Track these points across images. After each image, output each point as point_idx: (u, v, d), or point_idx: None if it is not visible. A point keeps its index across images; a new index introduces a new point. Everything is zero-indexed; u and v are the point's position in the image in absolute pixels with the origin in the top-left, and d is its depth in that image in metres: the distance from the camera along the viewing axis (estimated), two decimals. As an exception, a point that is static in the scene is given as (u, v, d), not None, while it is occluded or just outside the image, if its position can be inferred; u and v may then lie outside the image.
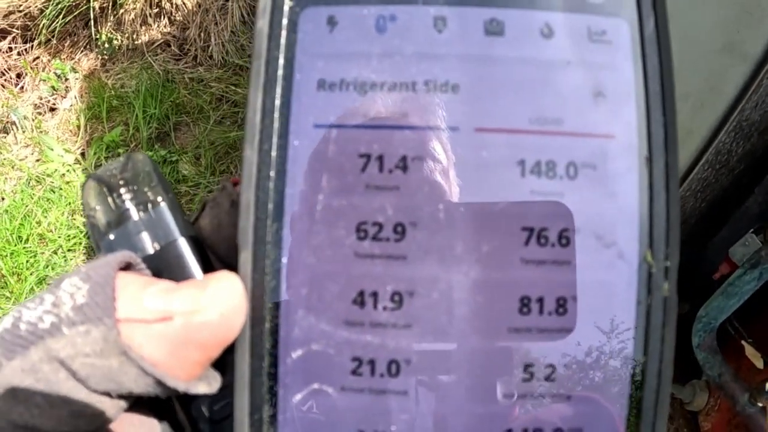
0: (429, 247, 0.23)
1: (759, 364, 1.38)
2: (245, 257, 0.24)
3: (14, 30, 2.99)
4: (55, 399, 0.21)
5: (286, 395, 0.24)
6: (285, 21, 0.24)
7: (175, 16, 3.08)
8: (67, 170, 2.61)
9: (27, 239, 2.34)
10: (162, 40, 3.08)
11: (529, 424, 0.23)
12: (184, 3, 3.04)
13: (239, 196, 0.24)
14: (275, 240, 0.24)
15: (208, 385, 0.24)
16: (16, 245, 2.31)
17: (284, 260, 0.24)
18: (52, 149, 2.66)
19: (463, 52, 0.24)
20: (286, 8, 0.24)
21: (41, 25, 2.94)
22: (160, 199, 0.27)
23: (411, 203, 0.24)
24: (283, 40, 0.25)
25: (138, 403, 0.25)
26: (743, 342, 1.43)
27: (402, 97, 0.24)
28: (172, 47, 3.08)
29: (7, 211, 2.43)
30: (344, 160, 0.24)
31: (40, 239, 2.37)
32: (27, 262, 2.28)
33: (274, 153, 0.24)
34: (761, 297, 1.27)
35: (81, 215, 2.43)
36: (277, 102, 0.24)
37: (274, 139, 0.24)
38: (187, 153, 2.65)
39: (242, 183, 0.24)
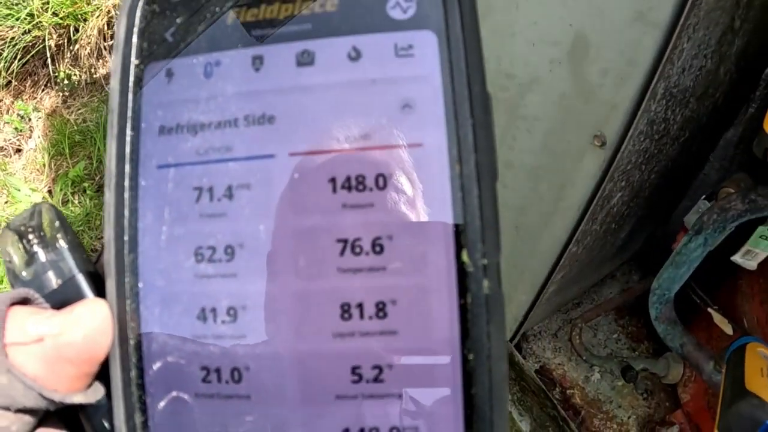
0: (255, 265, 0.26)
1: (728, 330, 1.39)
2: (110, 285, 0.27)
3: (-25, 75, 3.02)
4: None
5: (153, 403, 0.27)
6: (132, 78, 0.28)
7: (130, 47, 3.12)
8: (35, 209, 2.63)
9: (1, 280, 2.34)
10: (119, 72, 3.13)
11: (365, 423, 0.25)
12: (137, 33, 3.08)
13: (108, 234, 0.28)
14: (132, 268, 0.27)
15: (85, 396, 0.27)
16: (-14, 288, 2.31)
17: (140, 285, 0.27)
18: (18, 190, 2.68)
19: (278, 86, 0.26)
20: (132, 67, 0.28)
21: (0, 68, 2.96)
22: (62, 242, 0.30)
23: (237, 227, 0.26)
24: (130, 95, 0.28)
25: (51, 419, 0.28)
26: (710, 310, 1.45)
27: (226, 133, 0.27)
28: (131, 78, 3.12)
29: (-24, 254, 2.43)
30: (181, 194, 0.27)
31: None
32: None
33: (126, 194, 0.28)
34: (721, 263, 1.28)
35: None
36: (128, 149, 0.28)
37: (126, 182, 0.28)
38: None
39: (104, 221, 0.28)
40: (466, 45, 0.26)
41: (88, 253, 0.31)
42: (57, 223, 0.31)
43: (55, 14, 2.91)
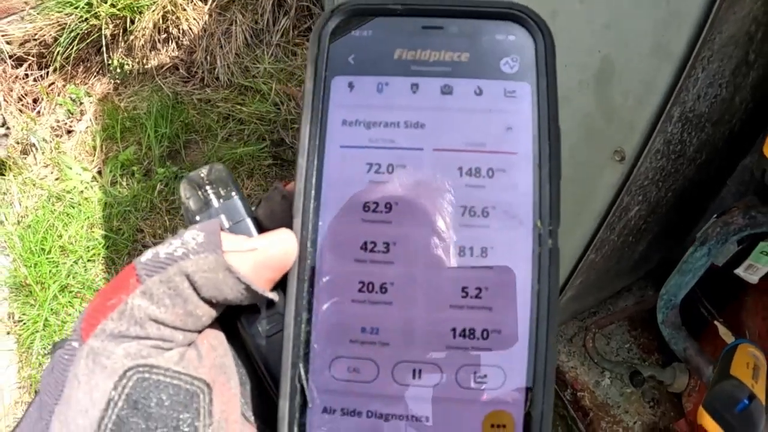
0: (406, 215, 0.37)
1: (730, 341, 1.42)
2: (296, 221, 0.37)
3: (30, 57, 3.11)
4: (178, 301, 0.33)
5: (318, 306, 0.36)
6: (323, 84, 0.38)
7: (182, 41, 3.20)
8: (85, 187, 2.73)
9: (49, 251, 2.45)
10: (170, 64, 3.21)
11: (467, 324, 0.35)
12: (190, 28, 3.16)
13: (294, 187, 0.37)
14: (315, 211, 0.37)
15: (274, 295, 0.36)
16: (39, 256, 2.42)
17: (320, 223, 0.37)
18: (70, 168, 2.78)
19: (428, 105, 0.38)
20: (323, 76, 0.38)
21: (56, 53, 3.06)
22: (233, 193, 0.40)
23: (394, 191, 0.37)
24: (321, 94, 0.38)
25: (213, 324, 0.37)
26: (716, 322, 1.52)
27: (391, 131, 0.38)
28: (180, 70, 3.20)
29: (30, 225, 2.54)
30: (356, 166, 0.37)
31: (61, 251, 2.48)
32: (50, 271, 2.39)
33: (315, 161, 0.37)
34: (730, 279, 1.34)
35: (99, 228, 2.55)
36: (318, 131, 0.37)
37: (316, 154, 0.37)
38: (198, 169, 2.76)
39: (296, 178, 0.38)
40: (548, 94, 0.37)
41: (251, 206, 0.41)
42: (228, 180, 0.40)
43: (112, 5, 3.00)
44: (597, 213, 1.23)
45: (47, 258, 2.43)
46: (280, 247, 0.35)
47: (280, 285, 0.37)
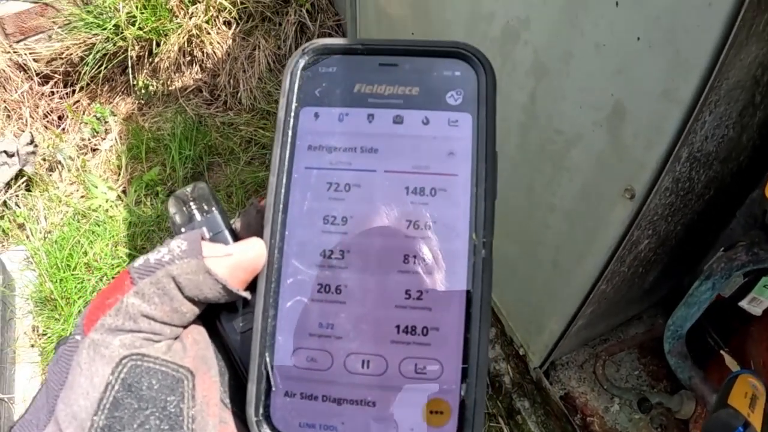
0: (359, 228, 0.42)
1: (736, 370, 1.45)
2: (266, 230, 0.41)
3: (56, 75, 3.19)
4: (165, 299, 0.37)
5: (283, 304, 0.40)
6: (293, 114, 0.44)
7: (206, 64, 3.26)
8: (110, 206, 2.77)
9: (75, 267, 2.49)
10: (194, 86, 3.27)
11: (409, 322, 0.40)
12: (214, 52, 3.22)
13: (264, 204, 0.43)
14: (282, 222, 0.41)
15: (246, 294, 0.41)
16: (65, 272, 2.46)
17: (287, 233, 0.42)
18: (96, 187, 2.83)
19: (381, 132, 0.43)
20: (293, 107, 0.44)
21: (82, 72, 3.13)
22: (213, 208, 0.45)
23: (350, 207, 0.42)
24: (291, 122, 0.43)
25: (196, 321, 0.42)
26: (722, 352, 1.55)
27: (349, 155, 0.43)
28: (204, 93, 3.26)
29: (56, 241, 2.58)
30: (318, 185, 0.42)
31: (86, 267, 2.51)
32: (75, 287, 2.43)
33: (284, 180, 0.42)
34: (736, 311, 1.38)
35: (123, 247, 2.58)
36: (287, 154, 0.42)
37: (285, 174, 0.42)
38: (220, 191, 2.83)
39: (267, 194, 0.43)
40: (487, 124, 0.42)
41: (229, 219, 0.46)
42: (210, 196, 0.46)
43: (139, 28, 3.06)
44: (608, 246, 1.26)
45: (72, 274, 2.46)
46: (252, 253, 0.41)
47: (252, 286, 0.41)
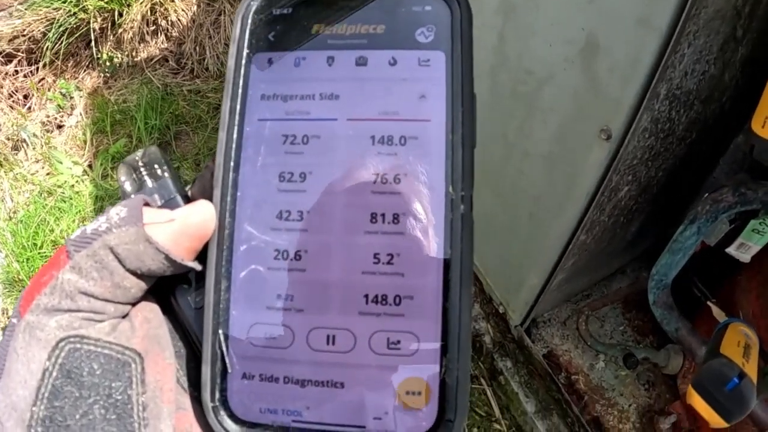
0: (318, 185, 0.38)
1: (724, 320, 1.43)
2: (216, 192, 0.38)
3: (19, 53, 3.12)
4: (105, 273, 0.34)
5: (236, 272, 0.37)
6: (244, 61, 0.40)
7: (171, 32, 3.21)
8: (76, 181, 2.74)
9: (41, 245, 2.46)
10: (160, 56, 3.22)
11: (379, 290, 0.36)
12: (179, 19, 3.17)
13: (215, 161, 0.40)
14: (234, 182, 0.38)
15: (194, 264, 0.37)
16: (31, 251, 2.43)
17: (239, 194, 0.38)
18: (61, 163, 2.79)
19: (343, 76, 0.39)
20: (245, 54, 0.40)
21: (45, 48, 3.07)
22: (165, 173, 0.41)
23: (309, 161, 0.38)
24: (242, 71, 0.40)
25: (148, 297, 0.38)
26: (709, 303, 1.51)
27: (306, 103, 0.39)
28: (170, 62, 3.21)
29: (22, 221, 2.55)
30: (273, 138, 0.39)
31: (53, 245, 2.49)
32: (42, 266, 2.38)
33: (235, 135, 0.39)
34: (723, 259, 1.33)
35: (91, 221, 2.54)
36: (238, 107, 0.39)
37: (236, 127, 0.39)
38: (188, 159, 2.80)
39: (216, 151, 0.39)
40: (463, 62, 0.38)
41: (183, 184, 0.42)
42: (161, 160, 0.42)
43: (100, -1, 3.01)
44: (586, 192, 1.22)
45: (39, 253, 2.45)
46: (198, 217, 0.37)
47: (203, 255, 0.38)
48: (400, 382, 0.35)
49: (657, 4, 0.90)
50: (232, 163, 0.38)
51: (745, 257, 1.28)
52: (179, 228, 0.36)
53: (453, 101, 0.37)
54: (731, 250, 1.29)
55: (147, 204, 0.37)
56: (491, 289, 1.90)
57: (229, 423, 0.36)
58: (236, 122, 0.39)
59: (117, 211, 0.35)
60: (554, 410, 1.76)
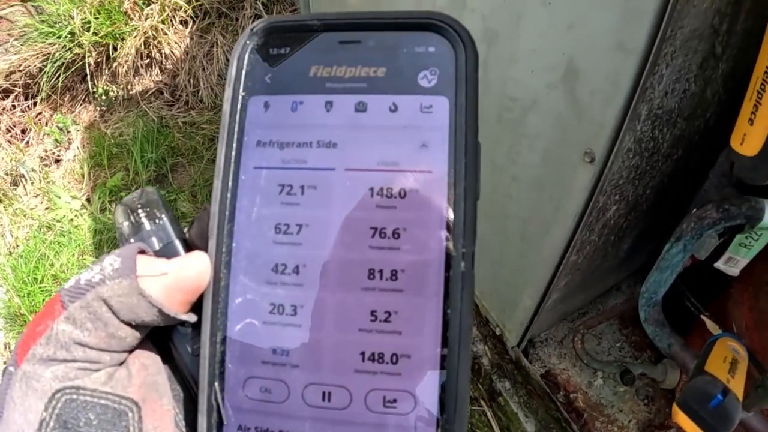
0: (315, 239, 0.36)
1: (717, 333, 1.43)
2: (211, 243, 0.37)
3: (16, 88, 3.15)
4: (99, 324, 0.34)
5: (231, 327, 0.36)
6: (239, 105, 0.38)
7: (165, 65, 3.23)
8: (75, 215, 2.74)
9: (42, 280, 2.46)
10: (155, 89, 3.23)
11: (376, 348, 0.35)
12: (172, 52, 3.19)
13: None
14: (229, 233, 0.37)
15: (188, 316, 0.37)
16: (32, 286, 2.43)
17: (234, 245, 0.37)
18: (59, 197, 2.80)
19: (341, 123, 0.37)
20: (240, 97, 0.38)
21: (41, 83, 3.09)
22: (163, 215, 0.41)
23: (305, 213, 0.36)
24: (237, 116, 0.38)
25: (146, 343, 0.38)
26: (702, 316, 1.51)
27: (303, 151, 0.37)
28: (165, 94, 3.23)
29: (22, 255, 2.55)
30: (269, 187, 0.37)
31: (54, 279, 2.48)
32: (43, 300, 2.38)
33: (230, 183, 0.37)
34: (716, 273, 1.33)
35: (90, 255, 2.55)
36: (233, 154, 0.37)
37: (231, 175, 0.37)
38: (185, 191, 2.80)
39: (211, 200, 0.38)
40: (467, 109, 0.36)
41: (181, 227, 0.42)
42: (159, 203, 0.41)
43: (95, 33, 3.03)
44: (573, 214, 1.22)
45: (40, 287, 2.44)
46: (193, 271, 0.36)
47: (199, 306, 0.37)
48: None
49: (632, 27, 0.91)
50: (227, 213, 0.37)
51: (734, 271, 1.28)
52: (173, 282, 0.36)
53: (456, 151, 0.35)
54: (720, 264, 1.29)
55: (143, 251, 0.37)
56: (487, 311, 1.90)
57: None
58: (231, 170, 0.37)
59: (111, 261, 0.35)
60: (554, 429, 1.75)
